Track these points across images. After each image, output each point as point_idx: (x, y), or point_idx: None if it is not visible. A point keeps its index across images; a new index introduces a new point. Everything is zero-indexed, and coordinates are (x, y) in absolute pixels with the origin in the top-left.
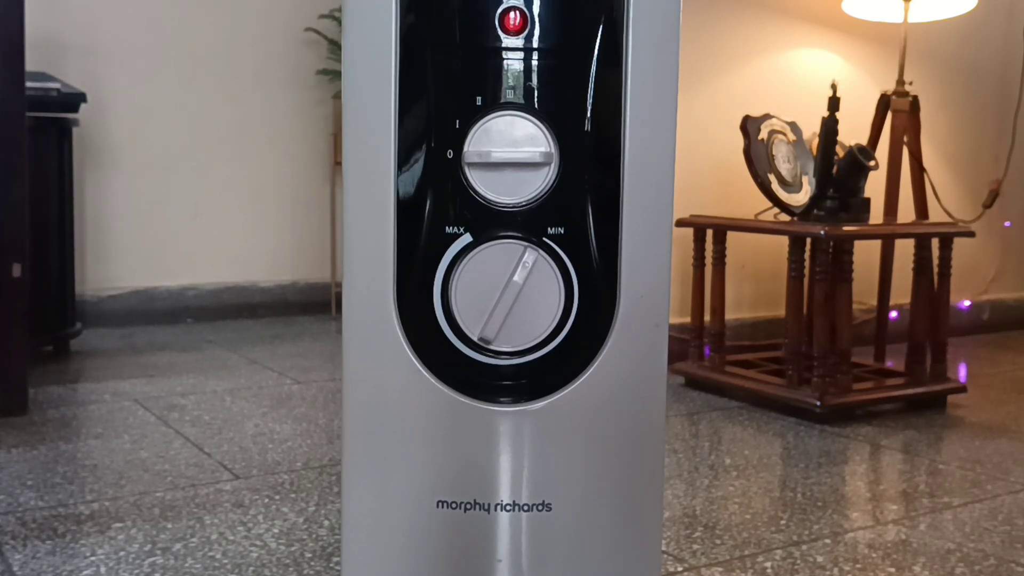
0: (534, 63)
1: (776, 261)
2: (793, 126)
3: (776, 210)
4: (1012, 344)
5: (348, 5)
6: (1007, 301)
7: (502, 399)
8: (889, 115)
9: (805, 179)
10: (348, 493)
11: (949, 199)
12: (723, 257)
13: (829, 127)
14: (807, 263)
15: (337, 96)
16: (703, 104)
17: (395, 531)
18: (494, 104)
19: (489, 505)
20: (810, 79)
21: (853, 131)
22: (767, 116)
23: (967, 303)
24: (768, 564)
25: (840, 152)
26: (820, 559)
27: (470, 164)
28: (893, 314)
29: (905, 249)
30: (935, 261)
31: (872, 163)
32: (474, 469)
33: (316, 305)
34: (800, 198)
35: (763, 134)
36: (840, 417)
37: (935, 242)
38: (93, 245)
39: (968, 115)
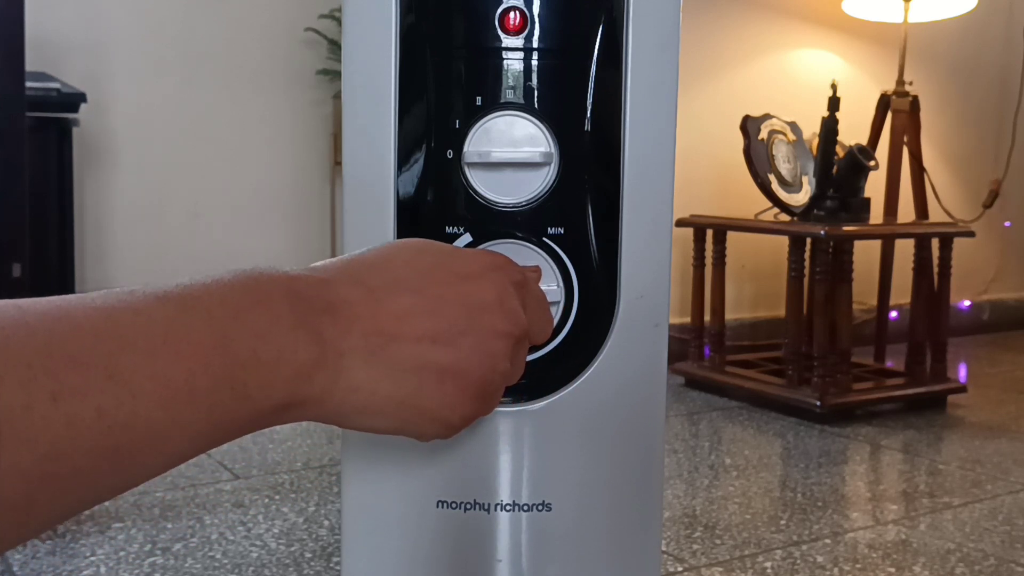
0: (534, 63)
1: (776, 261)
2: (793, 126)
3: (776, 210)
4: (1012, 344)
5: (348, 5)
6: (1007, 301)
7: (502, 399)
8: (889, 115)
9: (805, 179)
10: (348, 493)
11: (949, 199)
12: (723, 257)
13: (829, 127)
14: (807, 263)
15: (337, 96)
16: (703, 104)
17: (395, 531)
18: (494, 104)
19: (489, 505)
20: (810, 79)
21: (853, 131)
22: (767, 116)
23: (967, 303)
24: (768, 564)
25: (840, 152)
26: (820, 559)
27: (470, 164)
28: (893, 314)
29: (905, 249)
30: (935, 261)
31: (872, 163)
32: (474, 469)
33: None
34: (800, 198)
35: (763, 134)
36: (840, 417)
37: (935, 242)
38: (93, 245)
39: (968, 115)
